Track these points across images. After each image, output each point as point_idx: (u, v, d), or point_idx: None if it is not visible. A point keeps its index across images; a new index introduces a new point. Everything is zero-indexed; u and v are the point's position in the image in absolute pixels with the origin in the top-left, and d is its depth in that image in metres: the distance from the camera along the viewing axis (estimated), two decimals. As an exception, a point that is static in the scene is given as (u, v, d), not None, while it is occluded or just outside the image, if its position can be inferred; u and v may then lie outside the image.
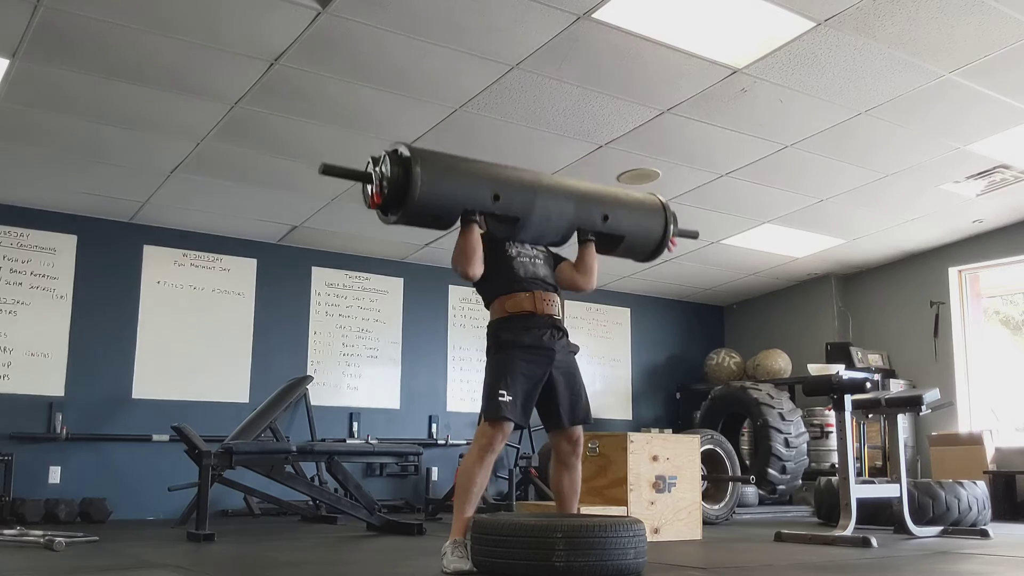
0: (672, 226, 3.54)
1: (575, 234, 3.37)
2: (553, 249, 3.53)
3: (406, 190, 2.93)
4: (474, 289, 3.42)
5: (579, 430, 3.31)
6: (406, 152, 2.98)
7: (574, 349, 3.34)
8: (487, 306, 3.35)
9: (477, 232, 3.14)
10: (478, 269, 3.17)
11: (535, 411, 3.27)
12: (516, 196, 3.16)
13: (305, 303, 7.27)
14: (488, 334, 3.29)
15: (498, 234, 3.25)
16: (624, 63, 4.45)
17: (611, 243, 3.46)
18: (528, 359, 3.18)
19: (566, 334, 3.31)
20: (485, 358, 3.29)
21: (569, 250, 3.48)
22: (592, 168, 5.75)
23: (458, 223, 3.12)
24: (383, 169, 2.98)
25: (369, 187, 3.04)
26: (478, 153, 5.42)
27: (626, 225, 3.43)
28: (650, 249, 3.57)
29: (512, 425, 3.15)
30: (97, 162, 5.51)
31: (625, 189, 3.57)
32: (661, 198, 3.58)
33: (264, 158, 5.50)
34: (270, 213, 6.52)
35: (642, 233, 3.49)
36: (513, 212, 3.15)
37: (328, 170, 3.01)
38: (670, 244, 3.58)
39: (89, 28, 4.00)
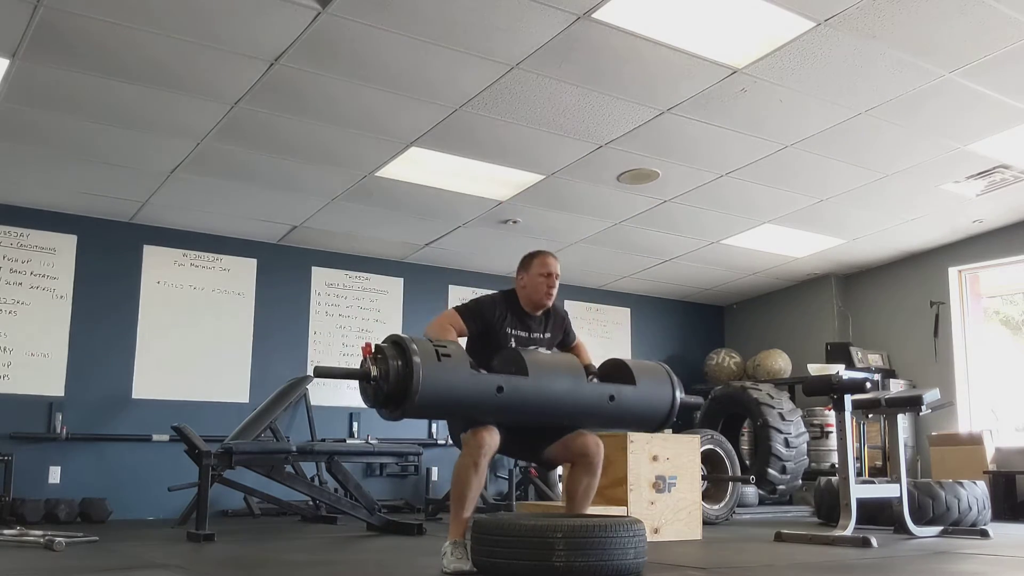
0: (679, 392, 3.40)
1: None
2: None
3: (407, 389, 2.83)
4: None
5: (588, 439, 3.26)
6: (402, 343, 2.89)
7: None
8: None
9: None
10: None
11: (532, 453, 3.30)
12: (511, 422, 3.13)
13: (305, 303, 7.27)
14: None
15: None
16: (624, 63, 4.45)
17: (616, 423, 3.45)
18: None
19: None
20: None
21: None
22: (592, 168, 5.75)
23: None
24: (382, 375, 2.88)
25: (367, 384, 2.96)
26: (479, 153, 5.49)
27: (625, 426, 3.43)
28: (655, 425, 3.43)
29: (495, 428, 3.11)
30: (97, 162, 5.51)
31: (635, 378, 3.31)
32: (668, 372, 3.43)
33: (264, 158, 5.50)
34: (270, 213, 6.52)
35: (647, 416, 3.36)
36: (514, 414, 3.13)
37: (324, 373, 2.95)
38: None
39: (89, 28, 4.00)
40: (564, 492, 3.42)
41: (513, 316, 3.40)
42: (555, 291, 3.44)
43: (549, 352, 3.34)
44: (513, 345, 3.31)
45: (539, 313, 3.48)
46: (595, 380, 3.28)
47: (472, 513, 3.12)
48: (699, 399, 3.62)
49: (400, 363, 2.83)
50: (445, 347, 2.94)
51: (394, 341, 2.92)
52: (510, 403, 3.00)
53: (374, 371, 2.87)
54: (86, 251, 6.42)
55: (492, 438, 3.10)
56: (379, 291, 7.59)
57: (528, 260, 3.50)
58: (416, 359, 2.81)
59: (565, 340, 3.59)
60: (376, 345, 2.93)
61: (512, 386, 2.99)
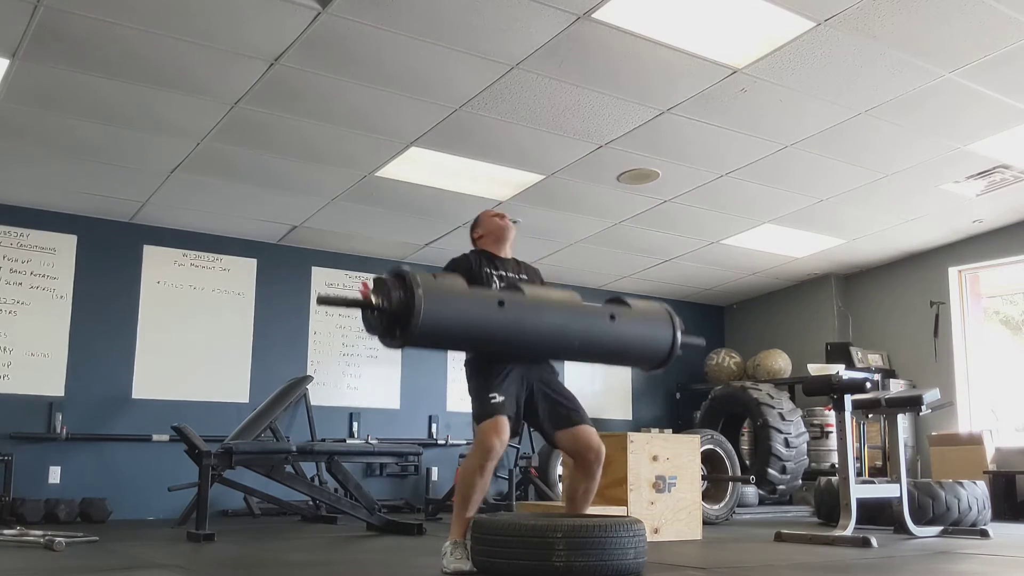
0: (679, 332, 3.37)
1: None
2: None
3: (407, 325, 2.83)
4: None
5: (596, 437, 3.26)
6: (404, 274, 2.89)
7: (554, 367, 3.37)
8: None
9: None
10: None
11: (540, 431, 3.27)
12: (515, 348, 3.13)
13: (305, 303, 7.27)
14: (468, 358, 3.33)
15: None
16: (624, 63, 4.45)
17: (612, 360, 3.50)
18: (511, 368, 3.20)
19: None
20: (465, 368, 3.33)
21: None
22: (592, 168, 5.75)
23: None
24: (383, 303, 2.88)
25: (369, 313, 2.95)
26: (479, 153, 5.50)
27: (627, 353, 3.38)
28: (656, 363, 3.41)
29: (508, 423, 3.12)
30: (97, 162, 5.51)
31: (634, 307, 3.33)
32: (669, 310, 3.41)
33: (264, 158, 5.50)
34: (270, 213, 6.52)
35: (648, 352, 3.36)
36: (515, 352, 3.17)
37: (325, 301, 2.95)
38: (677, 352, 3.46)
39: (89, 28, 4.00)
40: (564, 494, 3.42)
41: (488, 262, 3.45)
42: (511, 225, 3.60)
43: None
44: (498, 284, 3.34)
45: (510, 257, 3.55)
46: None
47: (473, 514, 3.12)
48: (700, 340, 3.61)
49: (401, 291, 2.86)
50: (443, 274, 3.04)
51: (394, 271, 2.94)
52: (512, 321, 3.01)
53: (375, 299, 2.88)
54: (86, 251, 6.42)
55: (501, 441, 3.10)
56: (379, 291, 7.57)
57: (476, 219, 3.67)
58: (416, 280, 2.85)
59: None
60: (376, 277, 2.95)
61: (513, 301, 3.02)
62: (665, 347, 3.32)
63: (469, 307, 2.97)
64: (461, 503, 3.13)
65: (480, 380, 3.19)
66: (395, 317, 2.86)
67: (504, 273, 3.42)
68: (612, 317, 3.20)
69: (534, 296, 3.12)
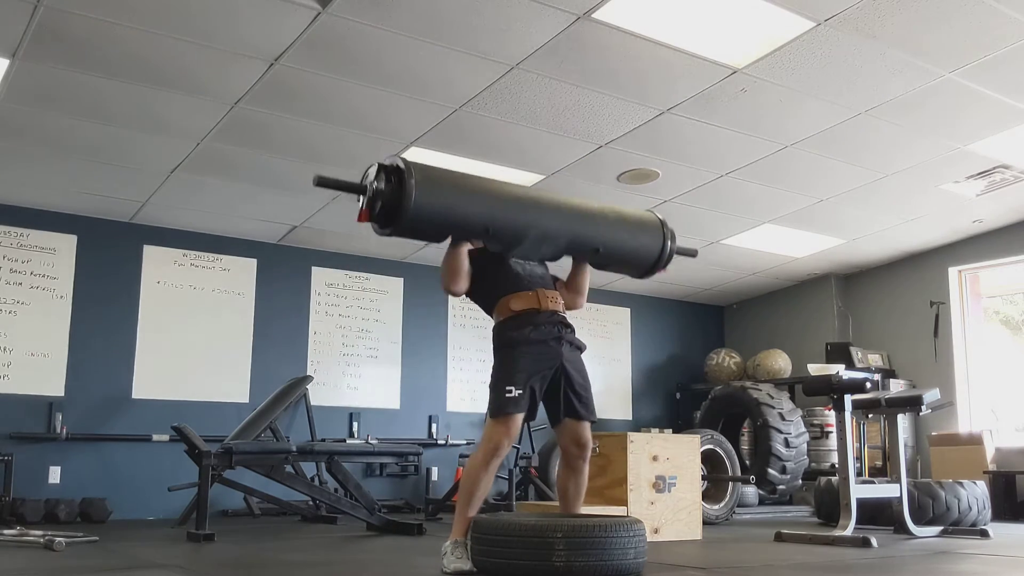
0: (670, 244, 3.47)
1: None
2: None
3: (399, 205, 2.90)
4: (472, 299, 3.39)
5: (587, 433, 3.28)
6: (401, 165, 2.95)
7: (581, 346, 3.33)
8: (489, 312, 3.33)
9: (465, 251, 3.15)
10: (462, 286, 3.19)
11: (542, 408, 3.27)
12: (507, 232, 3.13)
13: (305, 303, 7.27)
14: (494, 335, 3.27)
15: (490, 249, 3.25)
16: (624, 63, 4.45)
17: (606, 263, 3.47)
18: (535, 355, 3.16)
19: (573, 330, 3.30)
20: (493, 357, 3.27)
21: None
22: (592, 168, 5.75)
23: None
24: (377, 186, 2.94)
25: (362, 199, 3.00)
26: (478, 153, 5.49)
27: (622, 251, 3.40)
28: (646, 268, 3.51)
29: (520, 422, 3.13)
30: (97, 162, 5.51)
31: (624, 207, 3.49)
32: (660, 216, 3.52)
33: (264, 158, 5.50)
34: (270, 213, 6.52)
35: (639, 253, 3.44)
36: (503, 246, 3.17)
37: (322, 182, 2.98)
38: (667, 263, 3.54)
39: (89, 28, 4.00)
40: (558, 494, 3.43)
41: None
42: None
43: None
44: (511, 263, 3.32)
45: None
46: None
47: (475, 514, 3.11)
48: (693, 249, 3.68)
49: (395, 178, 2.91)
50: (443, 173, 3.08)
51: (390, 160, 2.99)
52: (503, 216, 3.09)
53: (371, 185, 2.95)
54: (86, 251, 6.42)
55: (510, 438, 3.11)
56: (379, 291, 7.59)
57: None
58: (410, 169, 2.91)
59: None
60: (377, 165, 2.99)
61: (505, 196, 3.13)
62: (654, 254, 3.44)
63: (460, 201, 3.04)
64: (465, 500, 3.13)
65: (502, 372, 3.16)
66: (388, 204, 2.91)
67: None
68: (597, 251, 3.30)
69: (527, 194, 3.20)
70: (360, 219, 3.01)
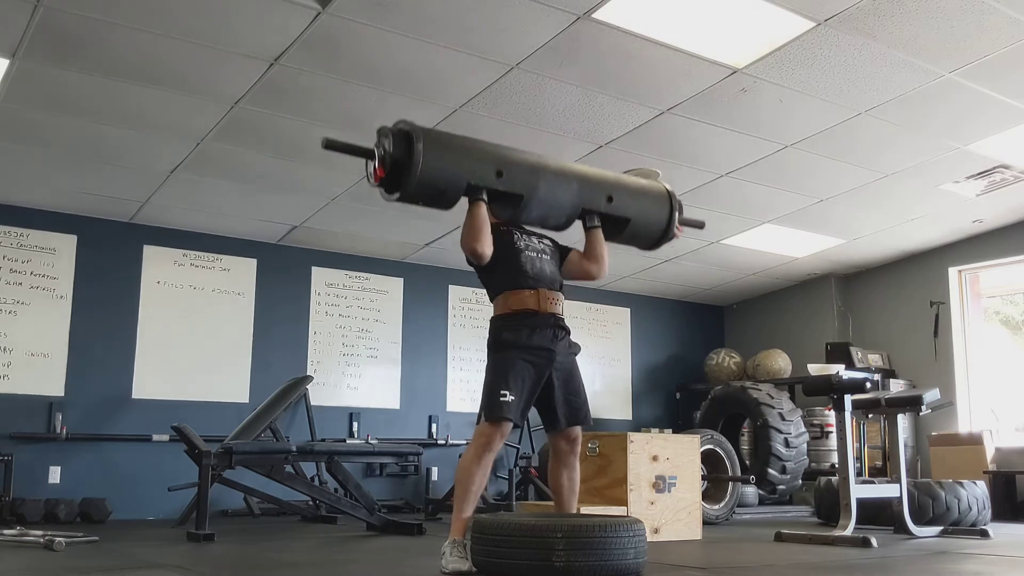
0: (677, 213, 3.49)
1: (579, 222, 3.35)
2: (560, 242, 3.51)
3: (408, 166, 2.91)
4: (480, 280, 3.37)
5: (577, 429, 3.31)
6: (408, 128, 2.96)
7: (575, 350, 3.33)
8: (491, 299, 3.32)
9: (484, 209, 3.10)
10: (487, 247, 3.11)
11: (535, 411, 3.27)
12: (520, 174, 3.11)
13: (305, 303, 7.27)
14: (490, 330, 3.26)
15: (502, 215, 3.21)
16: (624, 63, 4.45)
17: (616, 228, 3.41)
18: (529, 359, 3.16)
19: (568, 332, 3.30)
20: (486, 355, 3.27)
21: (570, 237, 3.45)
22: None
23: (463, 202, 3.10)
24: (386, 145, 2.95)
25: (371, 163, 3.01)
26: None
27: (631, 209, 3.37)
28: (656, 236, 3.50)
29: (511, 425, 3.15)
30: (97, 162, 5.51)
31: (630, 175, 3.53)
32: (667, 185, 3.54)
33: (264, 158, 5.50)
34: (270, 213, 6.52)
35: (647, 218, 3.43)
36: (517, 190, 3.11)
37: (331, 144, 2.99)
38: (676, 231, 3.54)
39: (89, 28, 4.00)
40: (552, 492, 3.43)
41: (513, 226, 3.37)
42: None
43: None
44: (519, 235, 3.31)
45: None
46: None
47: (472, 513, 3.12)
48: (700, 221, 3.70)
49: (403, 142, 2.93)
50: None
51: (398, 125, 3.00)
52: (508, 183, 3.08)
53: (379, 149, 2.96)
54: (86, 251, 6.42)
55: (502, 435, 3.13)
56: (379, 291, 7.59)
57: None
58: (418, 133, 2.93)
59: (564, 251, 3.50)
60: (381, 127, 3.01)
61: (513, 162, 3.10)
62: (660, 227, 3.44)
63: (469, 154, 3.05)
64: (460, 497, 3.14)
65: (495, 375, 3.16)
66: (396, 168, 2.91)
67: (526, 238, 3.36)
68: (610, 199, 3.29)
69: (536, 162, 3.17)
70: (374, 181, 3.00)
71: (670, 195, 3.51)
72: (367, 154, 3.00)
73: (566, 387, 3.26)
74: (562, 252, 3.46)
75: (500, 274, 3.26)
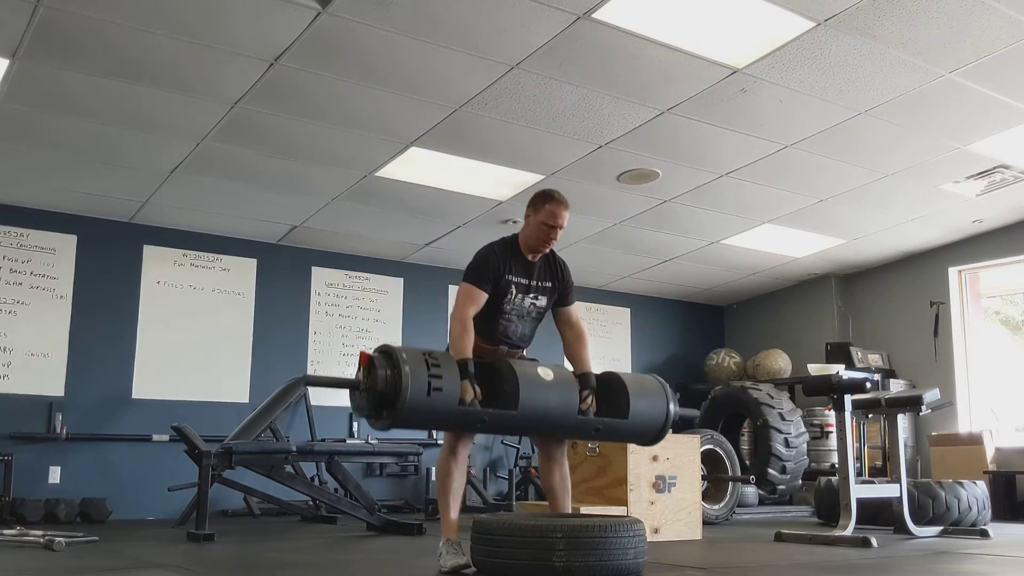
0: (673, 408, 3.36)
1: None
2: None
3: (395, 399, 2.81)
4: None
5: None
6: (392, 354, 2.87)
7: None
8: None
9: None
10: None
11: None
12: (501, 419, 3.08)
13: (305, 303, 7.27)
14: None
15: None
16: (624, 63, 4.45)
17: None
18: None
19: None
20: None
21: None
22: (592, 168, 5.75)
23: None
24: (371, 380, 2.86)
25: (356, 393, 2.95)
26: (478, 153, 5.49)
27: (623, 429, 3.31)
28: (649, 439, 3.42)
29: None
30: (97, 162, 5.51)
31: (630, 389, 3.29)
32: (662, 382, 3.40)
33: (264, 158, 5.50)
34: (270, 213, 6.52)
35: (640, 430, 3.36)
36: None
37: (313, 381, 2.98)
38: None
39: (89, 28, 4.00)
40: (545, 491, 3.44)
41: (514, 263, 3.34)
42: (554, 241, 3.37)
43: (546, 370, 3.18)
44: (514, 294, 3.30)
45: (537, 259, 3.41)
46: (590, 399, 3.19)
47: (458, 512, 3.21)
48: (695, 412, 3.67)
49: (388, 370, 2.84)
50: (440, 376, 2.87)
51: (385, 352, 2.89)
52: (496, 425, 3.12)
53: (363, 381, 2.89)
54: (86, 251, 6.42)
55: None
56: (379, 291, 7.59)
57: (540, 202, 3.35)
58: (403, 357, 2.82)
59: (563, 297, 3.47)
60: (370, 358, 2.90)
61: (495, 417, 3.02)
62: (655, 431, 3.35)
63: (454, 415, 2.95)
64: (443, 495, 3.22)
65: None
66: (382, 397, 2.84)
67: (524, 282, 3.35)
68: (597, 430, 3.23)
69: (522, 413, 3.02)
70: (361, 362, 2.93)
71: (665, 391, 3.37)
72: (352, 387, 2.93)
73: None
74: (557, 297, 3.46)
75: (479, 317, 3.26)
